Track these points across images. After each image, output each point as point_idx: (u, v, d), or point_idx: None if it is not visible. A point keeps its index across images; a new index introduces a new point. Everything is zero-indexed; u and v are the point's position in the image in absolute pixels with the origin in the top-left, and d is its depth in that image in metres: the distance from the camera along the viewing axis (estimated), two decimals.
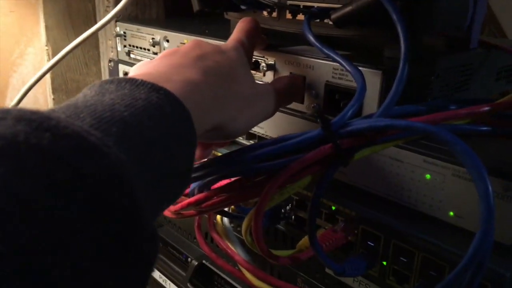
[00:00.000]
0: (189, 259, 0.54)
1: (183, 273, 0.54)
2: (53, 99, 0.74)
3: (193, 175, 0.33)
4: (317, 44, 0.37)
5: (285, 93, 0.37)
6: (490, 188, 0.23)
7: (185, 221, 0.55)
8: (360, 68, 0.35)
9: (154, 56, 0.58)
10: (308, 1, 0.40)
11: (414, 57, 0.33)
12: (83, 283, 0.16)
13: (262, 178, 0.31)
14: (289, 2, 0.42)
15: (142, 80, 0.25)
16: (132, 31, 0.61)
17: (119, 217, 0.18)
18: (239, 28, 0.38)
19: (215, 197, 0.33)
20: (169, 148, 0.23)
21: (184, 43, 0.53)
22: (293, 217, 0.41)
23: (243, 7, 0.44)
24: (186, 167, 0.26)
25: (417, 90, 0.40)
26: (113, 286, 0.18)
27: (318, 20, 0.41)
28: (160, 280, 0.57)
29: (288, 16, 0.45)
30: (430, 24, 0.41)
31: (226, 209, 0.40)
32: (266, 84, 0.37)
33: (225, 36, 0.39)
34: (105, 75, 0.70)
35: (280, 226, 0.42)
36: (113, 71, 0.64)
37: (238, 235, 0.43)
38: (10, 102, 0.77)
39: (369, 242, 0.35)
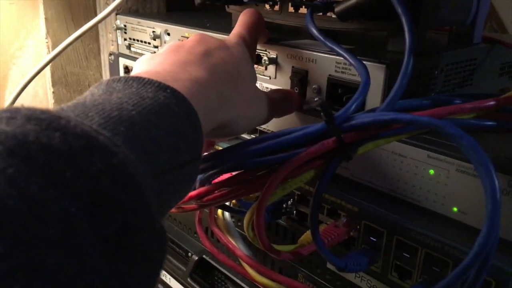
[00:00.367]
0: (190, 254, 0.53)
1: (184, 268, 0.53)
2: (53, 92, 0.74)
3: None
4: (321, 37, 0.36)
5: (278, 105, 0.37)
6: (496, 183, 0.23)
7: (185, 216, 0.55)
8: (363, 61, 0.34)
9: (155, 49, 0.57)
10: None
11: (418, 51, 0.33)
12: (90, 283, 0.16)
13: (264, 172, 0.31)
14: None
15: (149, 79, 0.25)
16: (133, 24, 0.60)
17: (127, 216, 0.18)
18: (242, 21, 0.37)
19: (216, 191, 0.33)
20: (176, 147, 0.23)
21: (185, 37, 0.52)
22: (294, 212, 0.41)
23: (245, 0, 0.44)
24: (194, 166, 0.25)
25: (421, 84, 0.40)
26: (121, 285, 0.17)
27: (320, 14, 0.41)
28: (161, 275, 0.57)
29: (291, 9, 0.44)
30: (434, 18, 0.41)
31: (227, 203, 0.40)
32: (262, 91, 0.36)
33: (226, 30, 0.39)
34: (105, 69, 0.70)
35: (281, 221, 0.42)
36: (114, 64, 0.64)
37: (239, 230, 0.43)
38: (9, 95, 0.76)
39: (371, 238, 0.34)
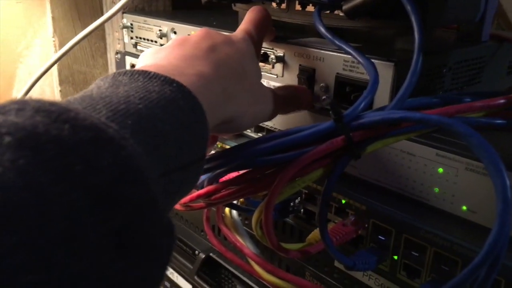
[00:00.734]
0: (197, 252, 0.53)
1: (190, 266, 0.54)
2: (60, 90, 0.74)
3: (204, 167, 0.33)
4: (329, 35, 0.36)
5: (284, 102, 0.37)
6: (507, 181, 0.23)
7: (192, 214, 0.55)
8: (372, 60, 0.34)
9: None
10: None
11: (426, 49, 0.33)
12: (96, 277, 0.16)
13: (272, 171, 0.31)
14: None
15: (155, 73, 0.25)
16: (139, 22, 0.60)
17: (135, 210, 0.18)
18: (248, 18, 0.37)
19: (224, 190, 0.33)
20: (182, 141, 0.23)
21: None
22: (302, 210, 0.40)
23: None
24: (199, 161, 0.25)
25: (429, 83, 0.40)
26: (128, 280, 0.17)
27: (328, 12, 0.41)
28: (168, 273, 0.57)
29: (298, 7, 0.44)
30: (442, 16, 0.40)
31: (235, 202, 0.40)
32: (268, 87, 0.36)
33: (233, 28, 0.39)
34: (112, 67, 0.70)
35: (288, 219, 0.42)
36: (120, 63, 0.64)
37: (247, 228, 0.43)
38: (17, 94, 0.77)
39: (380, 236, 0.34)
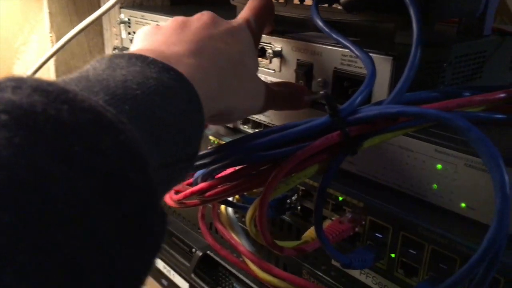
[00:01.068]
0: (194, 250, 0.53)
1: (187, 264, 0.53)
2: None
3: (197, 163, 0.32)
4: (326, 29, 0.36)
5: (277, 97, 0.36)
6: (506, 178, 0.22)
7: (189, 211, 0.55)
8: (370, 54, 0.34)
9: None
10: None
11: (426, 43, 0.32)
12: (94, 260, 0.16)
13: (267, 167, 0.31)
14: None
15: (153, 59, 0.24)
16: (137, 18, 0.60)
17: (132, 195, 0.18)
18: (250, 5, 0.36)
19: (219, 186, 0.32)
20: (178, 130, 0.23)
21: None
22: (299, 207, 0.40)
23: None
24: (193, 150, 0.25)
25: (429, 77, 0.39)
26: (120, 265, 0.17)
27: (326, 5, 0.40)
28: (164, 271, 0.56)
29: (296, 1, 0.43)
30: (443, 9, 0.40)
31: (230, 198, 0.39)
32: (263, 81, 0.35)
33: None
34: None
35: (285, 216, 0.41)
36: None
37: (243, 226, 0.42)
38: None
39: (377, 234, 0.34)
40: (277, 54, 0.42)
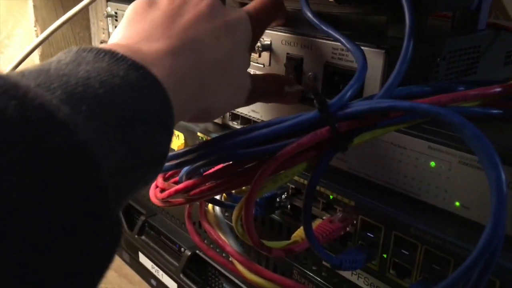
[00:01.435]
0: (182, 249, 0.52)
1: (176, 263, 0.52)
2: None
3: (181, 160, 0.31)
4: (315, 20, 0.34)
5: (262, 90, 0.35)
6: (503, 176, 0.21)
7: (178, 210, 0.53)
8: (361, 47, 0.32)
9: None
10: None
11: (420, 37, 0.31)
12: (39, 254, 0.15)
13: (253, 164, 0.29)
14: None
15: (122, 55, 0.23)
16: (124, 11, 0.58)
17: (83, 198, 0.17)
18: None
19: (204, 184, 0.31)
20: (144, 131, 0.22)
21: None
22: (289, 206, 0.39)
23: None
24: (161, 152, 0.24)
25: (423, 72, 0.38)
26: (69, 267, 0.17)
27: None
28: (153, 270, 0.55)
29: None
30: (436, 2, 0.39)
31: (217, 197, 0.38)
32: (249, 77, 0.34)
33: None
34: None
35: (275, 215, 0.40)
36: None
37: (231, 225, 0.41)
38: None
39: (368, 234, 0.33)
40: (266, 47, 0.41)
